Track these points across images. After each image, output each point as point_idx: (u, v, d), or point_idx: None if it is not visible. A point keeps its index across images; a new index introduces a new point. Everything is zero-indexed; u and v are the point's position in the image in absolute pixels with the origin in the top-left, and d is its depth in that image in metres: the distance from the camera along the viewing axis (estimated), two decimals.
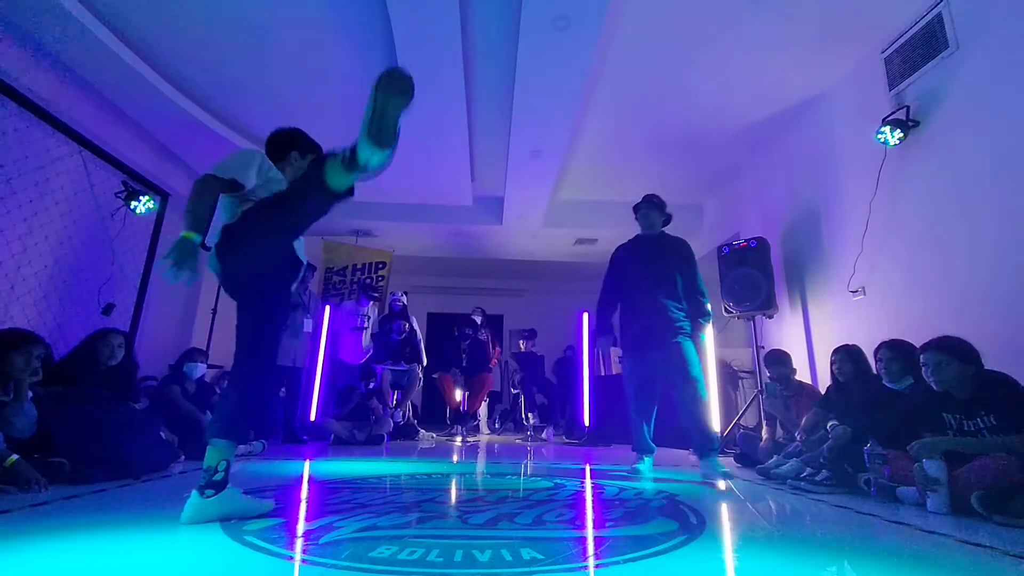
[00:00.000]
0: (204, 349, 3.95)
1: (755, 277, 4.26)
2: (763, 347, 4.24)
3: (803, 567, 1.23)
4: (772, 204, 4.77)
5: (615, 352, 6.54)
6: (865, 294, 3.48)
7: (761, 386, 3.95)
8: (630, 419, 2.99)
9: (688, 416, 2.80)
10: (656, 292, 2.90)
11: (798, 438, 2.84)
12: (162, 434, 2.79)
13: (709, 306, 2.99)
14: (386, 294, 6.53)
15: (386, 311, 5.82)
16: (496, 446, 4.62)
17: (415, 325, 5.72)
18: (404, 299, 5.72)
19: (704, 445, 2.77)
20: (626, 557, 1.26)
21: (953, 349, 2.04)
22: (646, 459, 2.87)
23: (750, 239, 4.47)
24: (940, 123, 3.00)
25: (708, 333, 3.28)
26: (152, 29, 3.43)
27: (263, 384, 1.77)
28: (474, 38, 3.41)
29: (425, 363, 5.63)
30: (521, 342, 6.40)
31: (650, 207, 3.11)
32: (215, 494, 1.53)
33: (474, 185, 5.59)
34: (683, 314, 2.91)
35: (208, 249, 1.71)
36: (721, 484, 2.52)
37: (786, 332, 4.40)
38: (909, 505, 2.00)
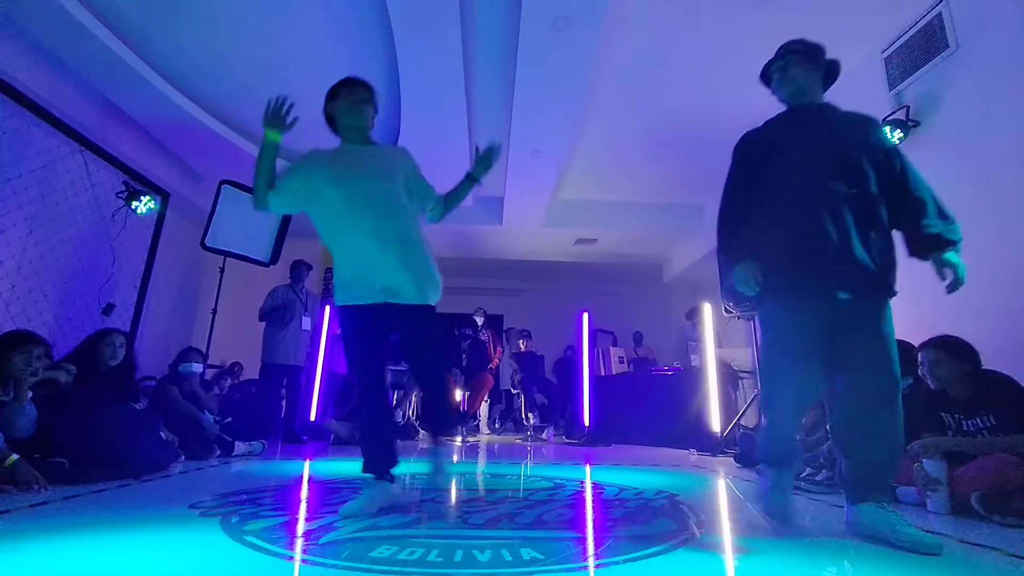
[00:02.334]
0: (201, 349, 3.95)
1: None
2: None
3: (803, 567, 1.23)
4: None
5: (615, 352, 6.55)
6: None
7: (759, 387, 3.95)
8: (770, 407, 1.66)
9: (861, 429, 1.49)
10: (834, 200, 1.55)
11: (798, 438, 2.84)
12: (162, 434, 2.79)
13: (955, 223, 1.56)
14: None
15: None
16: (496, 446, 4.62)
17: None
18: None
19: (877, 485, 1.48)
20: (626, 557, 1.26)
21: (950, 347, 2.04)
22: (784, 473, 1.62)
23: None
24: (940, 123, 3.00)
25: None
26: (152, 29, 3.43)
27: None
28: (474, 38, 3.41)
29: None
30: (521, 342, 6.40)
31: (789, 60, 1.74)
32: None
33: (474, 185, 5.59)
34: (885, 248, 1.58)
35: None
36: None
37: None
38: (909, 505, 2.00)
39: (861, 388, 1.49)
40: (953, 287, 1.51)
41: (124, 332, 2.97)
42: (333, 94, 1.97)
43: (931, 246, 1.54)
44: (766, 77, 1.84)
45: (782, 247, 1.61)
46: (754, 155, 1.78)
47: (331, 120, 1.97)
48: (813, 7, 3.14)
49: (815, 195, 1.58)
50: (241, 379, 5.28)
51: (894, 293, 1.56)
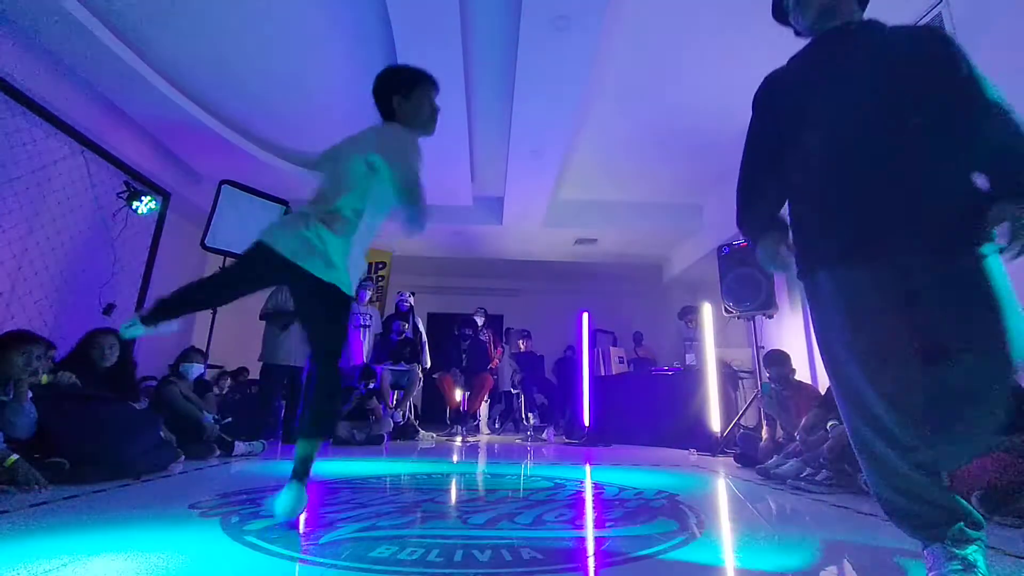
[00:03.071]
0: (202, 349, 3.95)
1: (755, 277, 4.26)
2: (763, 347, 4.24)
3: (803, 567, 1.23)
4: None
5: (615, 352, 6.55)
6: None
7: (759, 387, 3.96)
8: (865, 442, 1.10)
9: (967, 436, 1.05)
10: (895, 137, 1.17)
11: (798, 438, 2.84)
12: (162, 434, 2.79)
13: None
14: (387, 294, 6.52)
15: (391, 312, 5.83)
16: (496, 446, 4.62)
17: (421, 327, 5.70)
18: (411, 300, 5.71)
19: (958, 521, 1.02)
20: (626, 557, 1.26)
21: None
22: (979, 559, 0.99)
23: None
24: None
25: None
26: (152, 29, 3.43)
27: None
28: (474, 38, 3.41)
29: (429, 365, 5.63)
30: (521, 342, 6.40)
31: None
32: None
33: (474, 185, 5.59)
34: (964, 188, 1.14)
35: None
36: None
37: (786, 332, 4.40)
38: None
39: (952, 378, 1.02)
40: (1015, 248, 1.02)
41: (117, 331, 2.96)
42: (413, 85, 1.77)
43: (1007, 191, 1.07)
44: (780, 10, 1.45)
45: (840, 207, 1.19)
46: (782, 99, 1.39)
47: (393, 102, 1.76)
48: None
49: (866, 135, 1.19)
50: (242, 380, 5.29)
51: (988, 239, 1.06)
